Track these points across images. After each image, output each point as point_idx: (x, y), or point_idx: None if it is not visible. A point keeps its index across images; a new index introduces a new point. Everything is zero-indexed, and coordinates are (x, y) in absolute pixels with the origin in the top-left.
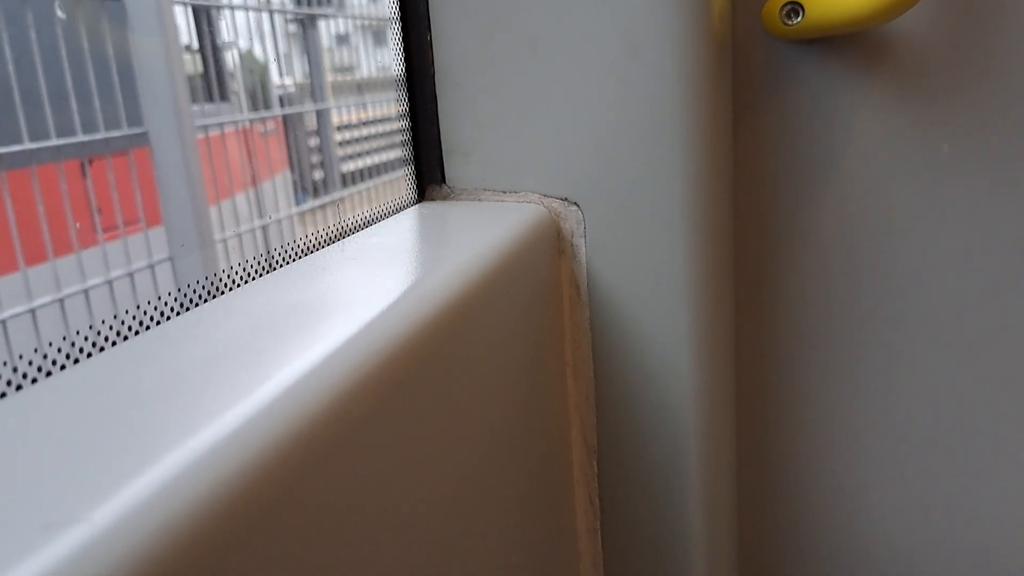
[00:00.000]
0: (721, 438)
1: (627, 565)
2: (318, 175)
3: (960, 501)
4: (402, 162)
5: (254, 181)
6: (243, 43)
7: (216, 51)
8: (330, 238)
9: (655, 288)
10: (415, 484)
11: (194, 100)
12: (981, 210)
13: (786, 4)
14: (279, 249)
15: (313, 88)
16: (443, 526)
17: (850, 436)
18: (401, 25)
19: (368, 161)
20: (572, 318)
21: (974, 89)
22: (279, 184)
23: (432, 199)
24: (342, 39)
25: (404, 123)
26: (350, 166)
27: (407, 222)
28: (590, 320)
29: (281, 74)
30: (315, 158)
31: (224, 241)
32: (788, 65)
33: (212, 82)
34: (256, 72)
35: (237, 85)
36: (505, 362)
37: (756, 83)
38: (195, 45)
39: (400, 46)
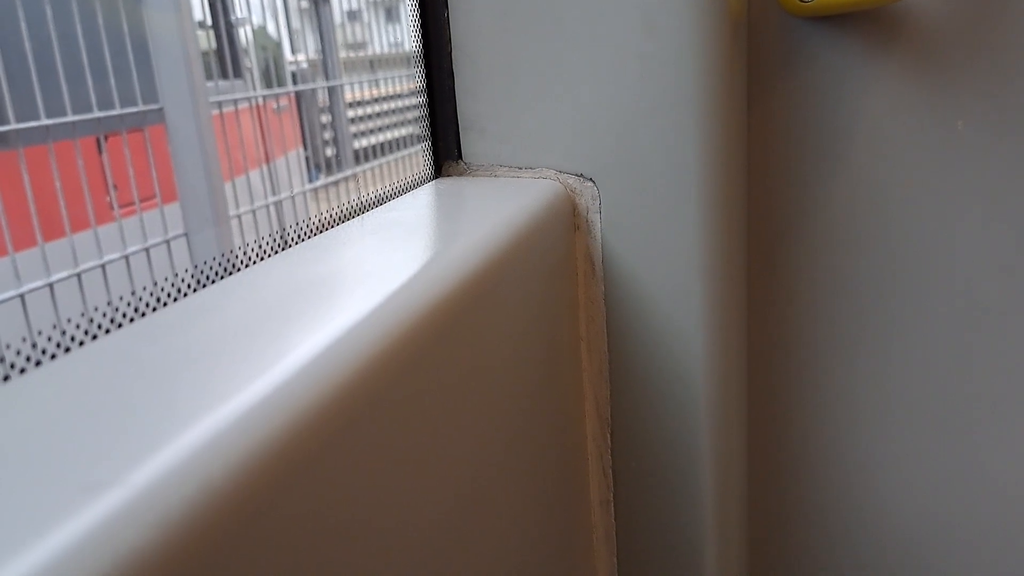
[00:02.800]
0: (732, 411)
1: (640, 535)
2: (330, 152)
3: (975, 490)
4: (415, 138)
5: (268, 157)
6: (256, 19)
7: (229, 28)
8: (349, 213)
9: (669, 264)
10: (434, 455)
11: (208, 77)
12: (996, 187)
13: None
14: (297, 225)
15: (326, 65)
16: (460, 495)
17: (863, 411)
18: (419, 5)
19: (380, 138)
20: (587, 293)
21: (989, 66)
22: (292, 161)
23: (449, 175)
24: (353, 15)
25: (421, 99)
26: (363, 143)
27: (425, 198)
28: (604, 295)
29: (294, 51)
30: (328, 135)
31: (239, 217)
32: (803, 42)
33: (226, 59)
34: (269, 49)
35: (250, 62)
36: (520, 336)
37: (771, 60)
38: (208, 22)
39: (417, 22)
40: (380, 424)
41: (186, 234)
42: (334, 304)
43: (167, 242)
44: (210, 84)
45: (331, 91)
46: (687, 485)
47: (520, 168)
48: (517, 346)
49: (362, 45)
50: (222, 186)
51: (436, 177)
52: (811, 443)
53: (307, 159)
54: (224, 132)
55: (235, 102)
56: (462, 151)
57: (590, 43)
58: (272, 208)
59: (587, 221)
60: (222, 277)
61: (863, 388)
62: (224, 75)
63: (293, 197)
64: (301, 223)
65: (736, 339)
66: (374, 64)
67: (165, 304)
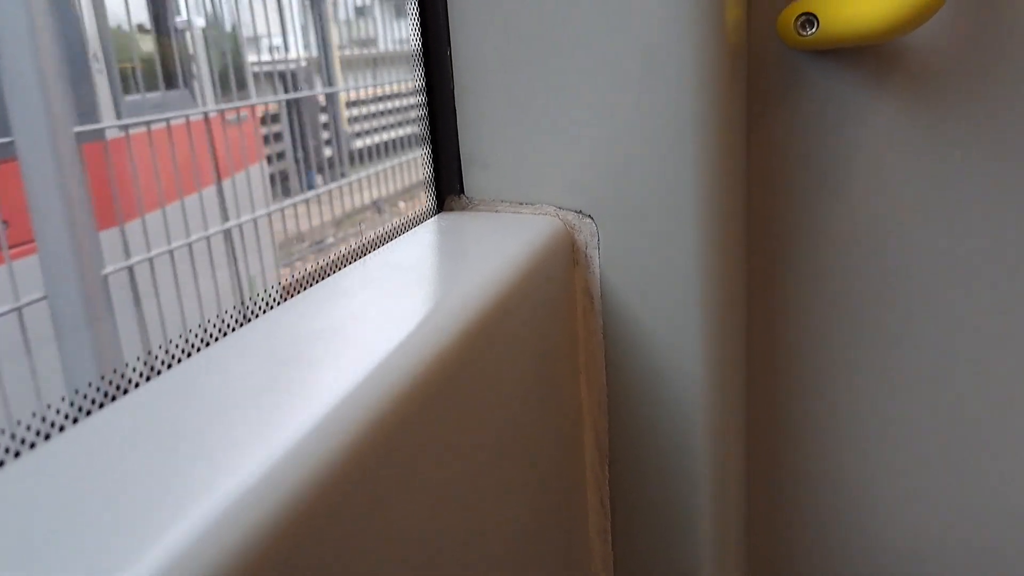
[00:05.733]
0: (731, 444)
1: (637, 565)
2: (329, 153)
3: (971, 502)
4: (418, 139)
5: (218, 175)
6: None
7: (169, 30)
8: (352, 256)
9: (667, 298)
10: (439, 490)
11: (134, 90)
12: (990, 217)
13: (801, 15)
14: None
15: (323, 64)
16: (461, 526)
17: (862, 443)
18: (422, 41)
19: (382, 137)
20: (586, 326)
21: (984, 100)
22: (252, 178)
23: (451, 209)
24: (362, 11)
25: (424, 135)
26: (364, 142)
27: (427, 236)
28: (603, 328)
29: (286, 49)
30: (326, 135)
31: (149, 261)
32: (802, 73)
33: (175, 67)
34: (228, 52)
35: (197, 68)
36: (521, 370)
37: (771, 90)
38: (149, 25)
39: (420, 59)
40: (390, 472)
41: (46, 297)
42: (341, 360)
43: (18, 309)
44: (134, 98)
45: (292, 105)
46: (685, 515)
47: (521, 203)
48: (518, 381)
49: (371, 41)
50: (93, 236)
51: (439, 211)
52: (810, 472)
53: (273, 175)
54: (152, 154)
55: (167, 120)
56: (464, 186)
57: (590, 82)
58: (210, 241)
59: (586, 256)
60: (233, 329)
61: (861, 416)
62: (169, 85)
63: (241, 226)
64: (267, 290)
65: (734, 371)
66: (378, 62)
67: (179, 360)
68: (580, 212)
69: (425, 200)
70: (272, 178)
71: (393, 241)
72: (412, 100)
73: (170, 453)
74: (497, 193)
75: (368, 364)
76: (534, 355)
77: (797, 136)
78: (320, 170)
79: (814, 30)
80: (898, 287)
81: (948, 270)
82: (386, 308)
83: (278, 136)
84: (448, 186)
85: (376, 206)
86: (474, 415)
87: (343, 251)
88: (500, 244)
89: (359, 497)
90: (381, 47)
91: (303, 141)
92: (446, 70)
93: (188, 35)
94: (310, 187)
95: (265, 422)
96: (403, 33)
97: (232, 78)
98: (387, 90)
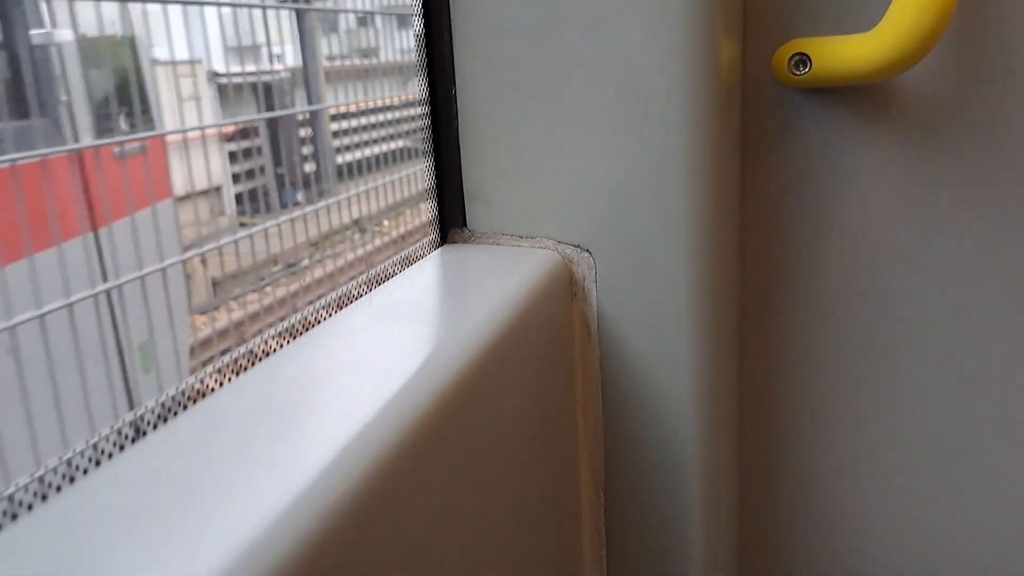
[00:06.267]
0: (724, 472)
1: None
2: (309, 168)
3: (958, 520)
4: (410, 152)
5: (92, 224)
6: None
7: (19, 47)
8: (356, 293)
9: (662, 330)
10: (444, 522)
11: None
12: (975, 257)
13: (794, 55)
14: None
15: (307, 76)
16: (460, 557)
17: (857, 471)
18: (428, 82)
19: (367, 152)
20: (583, 358)
21: (973, 142)
22: (161, 217)
23: (454, 242)
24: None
25: (429, 170)
26: (347, 157)
27: (431, 271)
28: (600, 360)
29: (271, 60)
30: (307, 150)
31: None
32: (797, 110)
33: (23, 92)
34: (121, 67)
35: (66, 93)
36: (521, 401)
37: (765, 127)
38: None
39: (426, 98)
40: (395, 512)
41: None
42: (350, 400)
43: None
44: None
45: (312, 103)
46: (678, 543)
47: (521, 237)
48: (518, 412)
49: (371, 51)
50: None
51: (442, 243)
52: (804, 499)
53: (241, 194)
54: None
55: (14, 161)
56: (467, 219)
57: (588, 122)
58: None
59: (584, 289)
60: (237, 373)
61: (856, 449)
62: (18, 114)
63: (119, 288)
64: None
65: (727, 401)
66: (369, 74)
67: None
68: (578, 246)
69: (429, 232)
70: (240, 197)
71: (399, 275)
72: (401, 113)
73: (172, 502)
74: (499, 227)
75: (374, 406)
76: (533, 385)
77: (791, 171)
78: (302, 186)
79: (807, 70)
80: (889, 320)
81: (937, 304)
82: (391, 347)
83: (246, 153)
84: (452, 219)
85: (358, 225)
86: (475, 449)
87: (352, 287)
88: (501, 278)
89: (366, 538)
90: (370, 58)
91: (277, 157)
92: (451, 110)
93: (54, 52)
94: (285, 205)
95: (268, 470)
96: (406, 43)
97: (134, 101)
98: (375, 103)
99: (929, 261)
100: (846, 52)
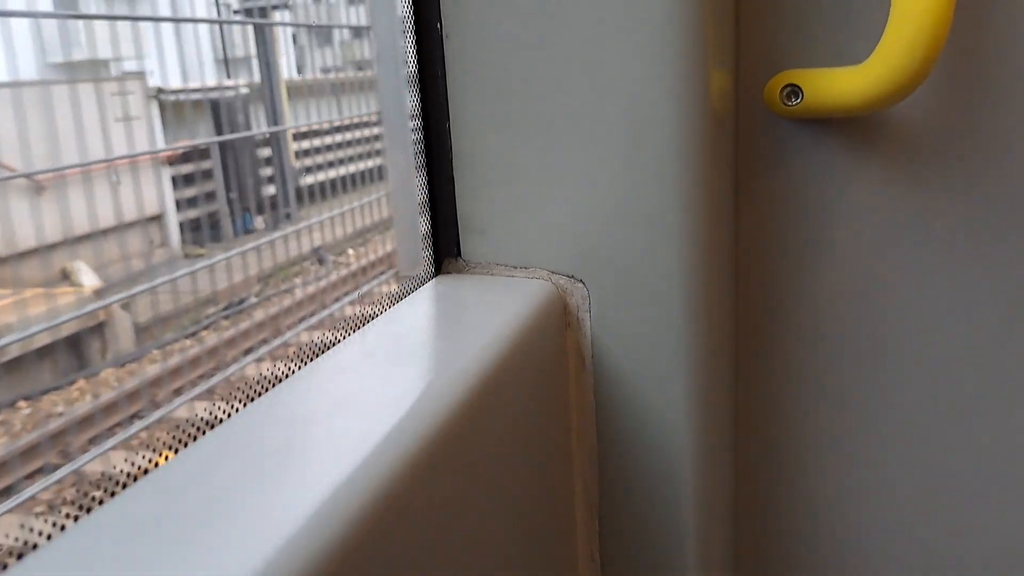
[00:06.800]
0: (718, 501)
1: None
2: (270, 193)
3: (953, 538)
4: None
5: None
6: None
7: None
8: (352, 326)
9: (656, 359)
10: (436, 560)
11: None
12: (968, 283)
13: (786, 86)
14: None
15: (267, 93)
16: None
17: (850, 495)
18: (421, 113)
19: (332, 174)
20: (577, 386)
21: (966, 170)
22: None
23: (448, 272)
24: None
25: (423, 201)
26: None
27: (425, 302)
28: (594, 389)
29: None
30: (269, 171)
31: None
32: (789, 139)
33: None
34: None
35: None
36: (515, 432)
37: (758, 155)
38: None
39: (420, 130)
40: (388, 551)
41: None
42: (341, 440)
43: None
44: None
45: (274, 122)
46: (674, 571)
47: (515, 267)
48: (512, 443)
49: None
50: None
51: (437, 273)
52: (800, 530)
53: (183, 223)
54: None
55: None
56: (461, 249)
57: (581, 152)
58: None
59: (577, 319)
60: (235, 410)
61: (850, 473)
62: None
63: None
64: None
65: (721, 429)
66: (336, 90)
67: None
68: (572, 276)
69: (424, 262)
70: (183, 226)
71: (393, 308)
72: (371, 132)
73: (158, 548)
74: (493, 257)
75: (366, 446)
76: (527, 416)
77: (784, 200)
78: (259, 211)
79: (799, 101)
80: (882, 346)
81: (931, 330)
82: (384, 385)
83: (188, 179)
84: (446, 249)
85: (318, 256)
86: (470, 483)
87: (348, 318)
88: (495, 309)
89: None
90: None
91: (229, 181)
92: (444, 140)
93: None
94: (246, 231)
95: (259, 512)
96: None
97: None
98: (346, 121)
99: (922, 287)
100: (838, 84)
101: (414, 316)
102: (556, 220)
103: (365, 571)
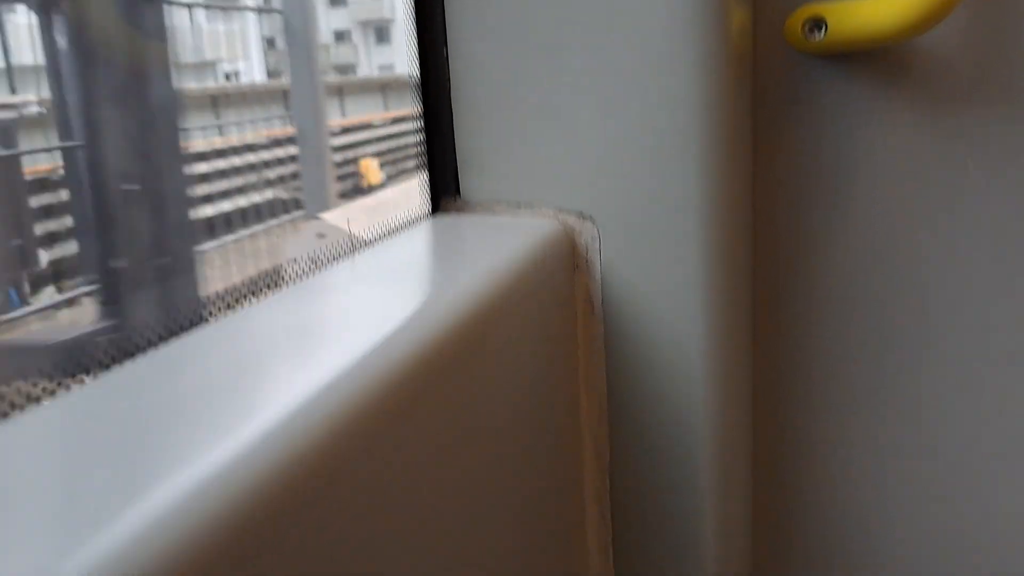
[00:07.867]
0: (736, 453)
1: None
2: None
3: (981, 519)
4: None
5: None
6: None
7: None
8: (339, 253)
9: (670, 304)
10: (426, 500)
11: None
12: (1004, 229)
13: (808, 19)
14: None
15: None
16: (454, 542)
17: (869, 454)
18: (417, 37)
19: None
20: (586, 333)
21: (1000, 108)
22: None
23: (446, 211)
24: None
25: (419, 134)
26: None
27: (420, 238)
28: (604, 335)
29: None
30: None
31: None
32: (810, 78)
33: None
34: None
35: None
36: (518, 377)
37: (778, 96)
38: None
39: (415, 57)
40: (373, 467)
41: None
42: (322, 352)
43: None
44: None
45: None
46: (688, 529)
47: (519, 205)
48: (513, 387)
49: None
50: None
51: (434, 213)
52: (817, 488)
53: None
54: None
55: None
56: (460, 187)
57: (592, 80)
58: None
59: (587, 260)
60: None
61: (869, 423)
62: None
63: None
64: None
65: (739, 379)
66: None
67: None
68: (581, 214)
69: (420, 200)
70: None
71: (383, 242)
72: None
73: (127, 441)
74: (495, 195)
75: (345, 361)
76: (531, 360)
77: (804, 141)
78: (30, 282)
79: (822, 34)
80: (907, 296)
81: (959, 280)
82: (371, 305)
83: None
84: (444, 187)
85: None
86: (463, 420)
87: (332, 247)
88: (496, 246)
89: (329, 497)
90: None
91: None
92: (442, 66)
93: None
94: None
95: (224, 419)
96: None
97: None
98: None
99: (955, 241)
100: (863, 13)
101: (407, 249)
102: (563, 154)
103: (333, 493)
